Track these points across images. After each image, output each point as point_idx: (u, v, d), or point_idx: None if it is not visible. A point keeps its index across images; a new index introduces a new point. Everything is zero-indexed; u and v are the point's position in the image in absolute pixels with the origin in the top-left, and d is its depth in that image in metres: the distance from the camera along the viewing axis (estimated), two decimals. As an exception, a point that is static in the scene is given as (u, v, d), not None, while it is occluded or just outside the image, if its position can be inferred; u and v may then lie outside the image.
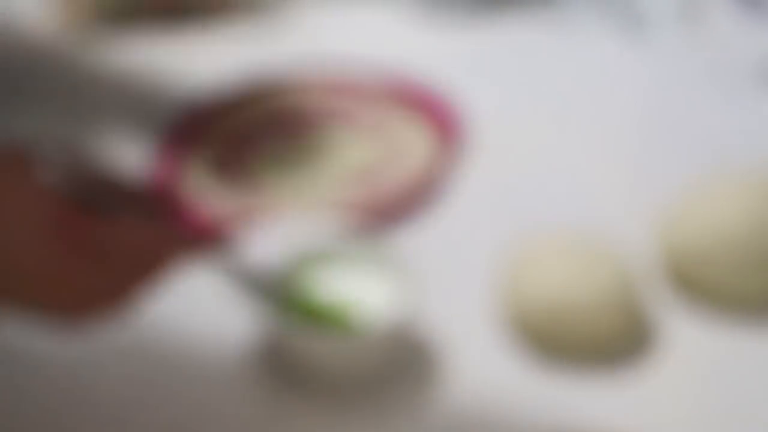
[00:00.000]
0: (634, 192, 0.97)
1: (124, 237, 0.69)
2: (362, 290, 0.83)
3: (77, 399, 0.83)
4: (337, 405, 0.82)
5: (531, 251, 0.84)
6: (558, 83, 1.08)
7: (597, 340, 0.82)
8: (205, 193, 0.97)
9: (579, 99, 1.07)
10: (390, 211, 0.95)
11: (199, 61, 1.10)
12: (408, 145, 1.01)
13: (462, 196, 0.98)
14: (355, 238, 0.84)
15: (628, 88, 1.08)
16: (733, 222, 0.84)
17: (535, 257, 0.84)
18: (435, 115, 1.03)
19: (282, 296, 0.83)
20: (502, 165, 1.01)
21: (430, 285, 0.89)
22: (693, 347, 0.84)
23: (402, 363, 0.84)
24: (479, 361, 0.84)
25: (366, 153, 1.00)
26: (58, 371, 0.84)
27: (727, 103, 1.05)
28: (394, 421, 0.81)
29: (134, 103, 1.06)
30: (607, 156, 1.01)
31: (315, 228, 0.86)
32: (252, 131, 1.02)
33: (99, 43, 1.14)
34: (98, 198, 0.71)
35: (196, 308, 0.89)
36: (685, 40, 1.13)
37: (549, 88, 1.08)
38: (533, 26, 1.16)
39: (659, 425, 0.79)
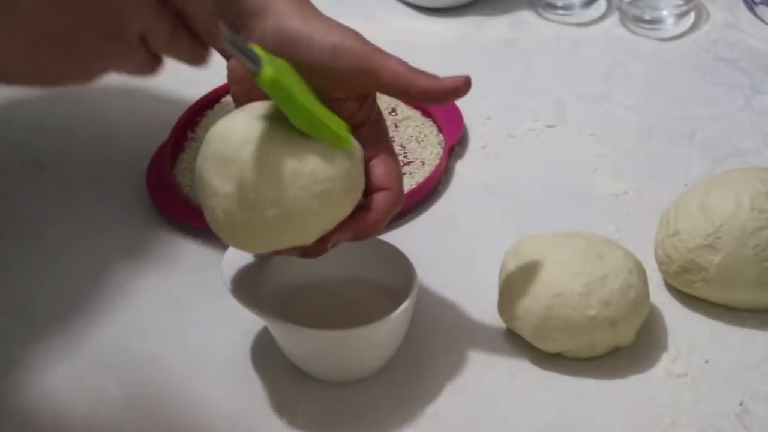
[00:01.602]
0: (634, 191, 0.97)
1: None
2: None
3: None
4: (334, 400, 0.82)
5: (531, 251, 0.84)
6: (559, 82, 1.08)
7: (597, 339, 0.82)
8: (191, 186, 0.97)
9: (580, 98, 1.07)
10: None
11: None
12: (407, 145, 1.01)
13: (462, 196, 0.98)
14: None
15: (630, 88, 1.08)
16: (733, 222, 0.84)
17: (535, 257, 0.84)
18: (435, 113, 1.03)
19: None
20: (503, 164, 1.01)
21: (430, 284, 0.89)
22: (693, 347, 0.84)
23: (401, 362, 0.84)
24: (478, 361, 0.84)
25: None
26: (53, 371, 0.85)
27: (729, 103, 1.05)
28: (392, 418, 0.81)
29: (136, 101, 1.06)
30: (608, 155, 1.01)
31: None
32: None
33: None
34: None
35: (193, 306, 0.89)
36: (687, 39, 1.13)
37: (550, 87, 1.08)
38: (534, 25, 1.16)
39: (659, 425, 0.79)
